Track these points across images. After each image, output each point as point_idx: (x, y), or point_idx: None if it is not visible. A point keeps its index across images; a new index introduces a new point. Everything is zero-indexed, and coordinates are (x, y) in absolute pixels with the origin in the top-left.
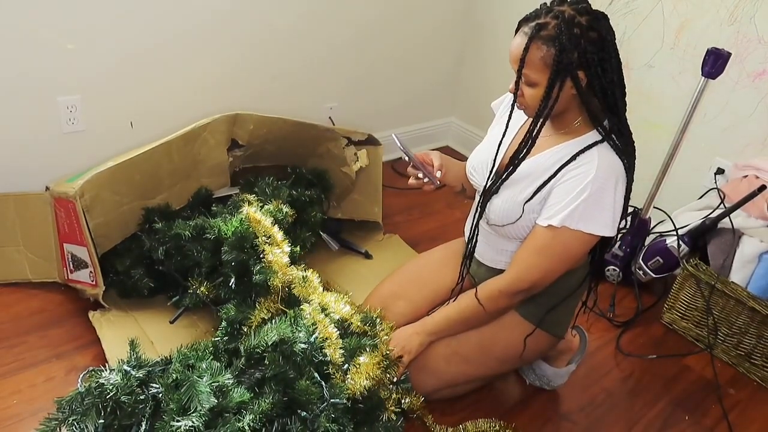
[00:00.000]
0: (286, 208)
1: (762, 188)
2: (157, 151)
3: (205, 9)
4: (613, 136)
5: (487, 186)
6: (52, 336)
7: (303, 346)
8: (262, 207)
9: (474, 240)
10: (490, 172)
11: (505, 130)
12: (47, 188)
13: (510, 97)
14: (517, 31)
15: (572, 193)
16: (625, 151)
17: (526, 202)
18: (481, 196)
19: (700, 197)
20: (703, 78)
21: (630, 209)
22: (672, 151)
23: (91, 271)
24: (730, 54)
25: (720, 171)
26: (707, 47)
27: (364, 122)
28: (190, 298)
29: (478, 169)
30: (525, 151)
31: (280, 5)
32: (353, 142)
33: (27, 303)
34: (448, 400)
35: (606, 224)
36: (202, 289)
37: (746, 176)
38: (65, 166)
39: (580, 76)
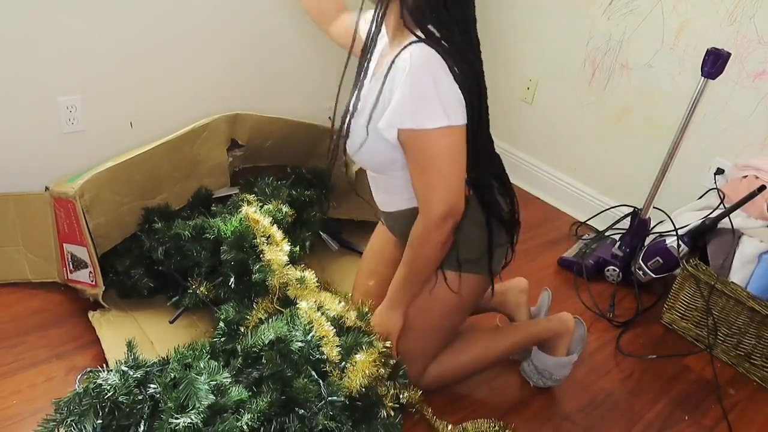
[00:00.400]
0: (285, 208)
1: (762, 188)
2: (157, 151)
3: (205, 9)
4: (436, 31)
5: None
6: (52, 336)
7: (300, 344)
8: (261, 207)
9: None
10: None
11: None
12: (47, 188)
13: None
14: None
15: (399, 93)
16: (451, 42)
17: (367, 125)
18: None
19: (700, 197)
20: (703, 78)
21: (629, 210)
22: (672, 151)
23: (90, 272)
24: (729, 54)
25: (720, 171)
26: (707, 47)
27: None
28: (190, 298)
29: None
30: (369, 42)
31: (279, 5)
32: None
33: (27, 303)
34: (447, 401)
35: (449, 110)
36: (201, 289)
37: (746, 176)
38: (65, 166)
39: None
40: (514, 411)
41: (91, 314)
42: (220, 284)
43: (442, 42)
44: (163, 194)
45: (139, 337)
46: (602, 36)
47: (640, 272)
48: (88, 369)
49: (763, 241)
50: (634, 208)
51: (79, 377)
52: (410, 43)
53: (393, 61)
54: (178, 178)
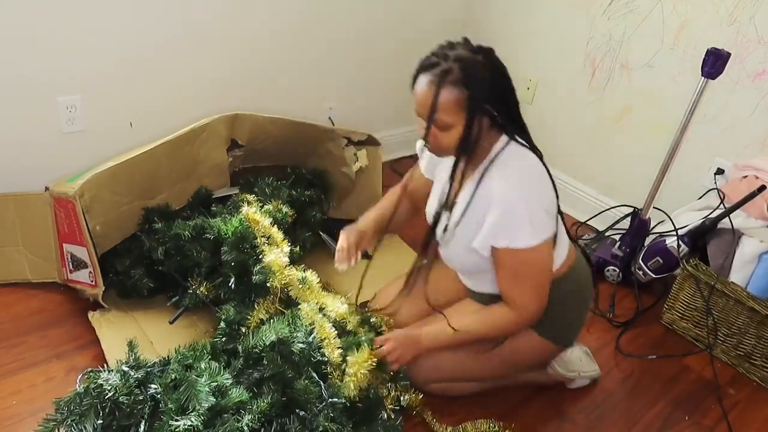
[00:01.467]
0: (285, 208)
1: (762, 188)
2: (156, 151)
3: (205, 9)
4: (530, 141)
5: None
6: (52, 336)
7: (301, 345)
8: (261, 207)
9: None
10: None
11: (451, 179)
12: (47, 188)
13: None
14: (416, 79)
15: (505, 212)
16: (533, 147)
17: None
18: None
19: (700, 197)
20: (703, 78)
21: (629, 210)
22: (672, 151)
23: (90, 272)
24: (729, 54)
25: (720, 171)
26: (707, 47)
27: (364, 122)
28: (190, 299)
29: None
30: (452, 194)
31: (279, 5)
32: (353, 143)
33: (27, 303)
34: (447, 400)
35: (547, 226)
36: (201, 289)
37: (746, 176)
38: (65, 166)
39: (491, 109)
40: (514, 411)
41: (91, 314)
42: (220, 284)
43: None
44: (163, 194)
45: (139, 337)
46: (602, 36)
47: (640, 272)
48: (89, 369)
49: (763, 241)
50: (634, 208)
51: (79, 377)
52: (496, 156)
53: (481, 179)
54: (177, 178)
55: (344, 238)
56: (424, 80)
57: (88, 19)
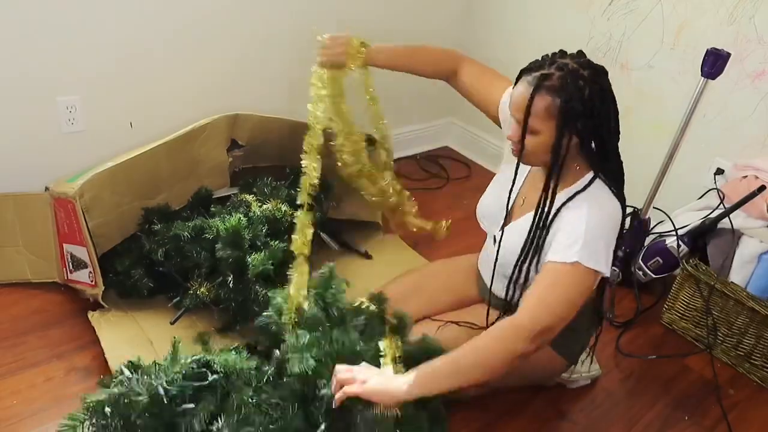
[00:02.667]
0: (284, 207)
1: (762, 188)
2: (156, 151)
3: (205, 9)
4: (617, 184)
5: (497, 237)
6: (52, 336)
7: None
8: (261, 207)
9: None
10: (503, 224)
11: (512, 184)
12: (47, 188)
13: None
14: (518, 80)
15: (575, 230)
16: (618, 195)
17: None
18: (498, 248)
19: (700, 197)
20: (703, 78)
21: (629, 210)
22: (672, 151)
23: (90, 272)
24: (729, 54)
25: (720, 171)
26: (707, 47)
27: (364, 122)
28: (191, 299)
29: (488, 217)
30: (548, 206)
31: (279, 5)
32: None
33: (27, 303)
34: (447, 401)
35: (602, 262)
36: (202, 290)
37: (746, 176)
38: (65, 166)
39: (582, 126)
40: (514, 411)
41: (90, 314)
42: (220, 284)
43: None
44: (163, 194)
45: (138, 337)
46: (602, 36)
47: (640, 272)
48: (120, 373)
49: (763, 241)
50: (634, 208)
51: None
52: (591, 184)
53: (573, 196)
54: (178, 178)
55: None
56: (523, 81)
57: (88, 19)
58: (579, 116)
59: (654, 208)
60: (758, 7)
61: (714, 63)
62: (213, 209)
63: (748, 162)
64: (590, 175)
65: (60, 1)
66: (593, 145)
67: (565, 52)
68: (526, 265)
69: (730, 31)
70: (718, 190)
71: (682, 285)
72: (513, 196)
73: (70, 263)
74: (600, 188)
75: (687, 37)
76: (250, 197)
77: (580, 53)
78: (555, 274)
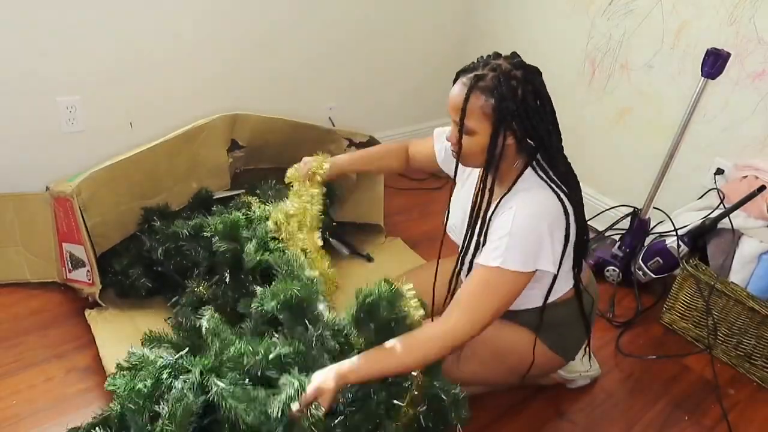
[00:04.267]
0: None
1: (762, 188)
2: (155, 151)
3: (205, 9)
4: (552, 177)
5: (463, 248)
6: (52, 336)
7: None
8: (262, 207)
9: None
10: (466, 232)
11: (477, 192)
12: (47, 188)
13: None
14: (455, 81)
15: (500, 232)
16: (568, 189)
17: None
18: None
19: (700, 197)
20: (703, 78)
21: (629, 210)
22: (672, 151)
23: (88, 270)
24: (729, 54)
25: (720, 171)
26: (707, 47)
27: (364, 122)
28: (188, 298)
29: (453, 231)
30: (483, 206)
31: (279, 6)
32: (355, 144)
33: (26, 303)
34: None
35: (541, 259)
36: (200, 288)
37: (746, 176)
38: (65, 166)
39: (517, 126)
40: (514, 411)
41: (87, 312)
42: (217, 282)
43: (555, 182)
44: (163, 194)
45: (134, 336)
46: (602, 36)
47: (640, 272)
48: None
49: (763, 242)
50: (634, 208)
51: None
52: (527, 184)
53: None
54: (177, 178)
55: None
56: (458, 82)
57: (88, 20)
58: (513, 116)
59: (654, 208)
60: (758, 7)
61: (714, 63)
62: (214, 209)
63: (748, 162)
64: (527, 173)
65: (60, 1)
66: (533, 144)
67: (500, 54)
68: (467, 258)
69: (730, 31)
70: (718, 190)
71: (682, 285)
72: (463, 200)
73: (69, 262)
74: (534, 184)
75: (687, 37)
76: (253, 199)
77: (514, 54)
78: (480, 279)
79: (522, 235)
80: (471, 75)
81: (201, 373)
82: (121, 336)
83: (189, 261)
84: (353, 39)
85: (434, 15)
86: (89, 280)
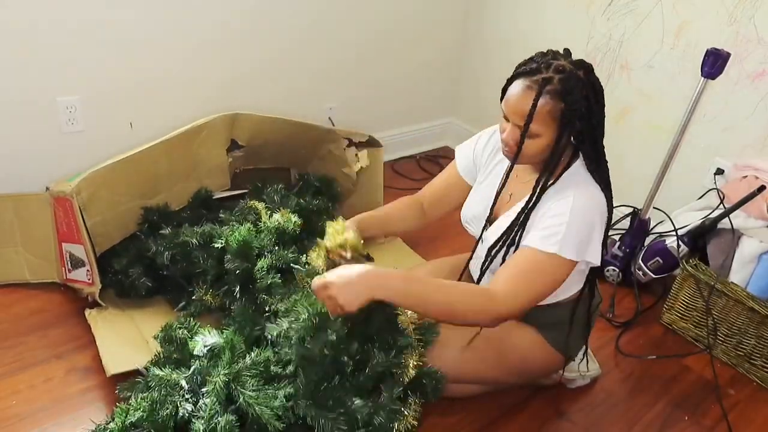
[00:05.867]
0: (294, 218)
1: (761, 188)
2: (155, 150)
3: (204, 10)
4: (602, 176)
5: (483, 237)
6: (52, 336)
7: None
8: (270, 215)
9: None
10: (486, 223)
11: (503, 183)
12: (47, 189)
13: (493, 145)
14: (512, 80)
15: (558, 219)
16: (605, 189)
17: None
18: (485, 248)
19: (700, 197)
20: (703, 78)
21: (629, 210)
22: (672, 152)
23: (88, 270)
24: (729, 54)
25: (720, 171)
26: (707, 48)
27: (364, 122)
28: (196, 306)
29: (473, 222)
30: (533, 203)
31: (279, 6)
32: (354, 144)
33: (26, 303)
34: (447, 401)
35: (589, 251)
36: (207, 297)
37: (746, 176)
38: (64, 166)
39: (581, 127)
40: (514, 411)
41: (87, 312)
42: (226, 293)
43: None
44: (162, 194)
45: (134, 336)
46: (602, 36)
47: (640, 272)
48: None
49: (763, 242)
50: (634, 208)
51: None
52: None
53: (553, 183)
54: (177, 178)
55: None
56: (521, 85)
57: (88, 20)
58: (580, 118)
59: (654, 208)
60: (758, 7)
61: (714, 63)
62: (222, 215)
63: (748, 162)
64: (576, 165)
65: (60, 1)
66: (589, 143)
67: (555, 52)
68: (501, 253)
69: (730, 31)
70: (718, 190)
71: (682, 285)
72: (495, 194)
73: (69, 262)
74: (586, 178)
75: (687, 37)
76: (260, 205)
77: (567, 52)
78: (533, 261)
79: (579, 224)
80: (537, 78)
81: (227, 384)
82: (121, 336)
83: (197, 268)
84: (353, 39)
85: (434, 15)
86: (89, 279)
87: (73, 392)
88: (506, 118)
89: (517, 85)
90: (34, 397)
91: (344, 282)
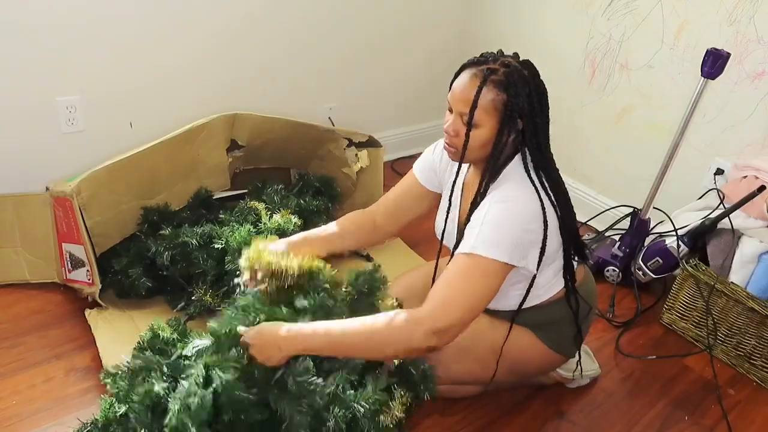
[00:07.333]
0: (294, 219)
1: (761, 189)
2: (154, 150)
3: (205, 9)
4: (543, 182)
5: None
6: (52, 336)
7: None
8: (270, 216)
9: None
10: (458, 235)
11: (451, 193)
12: (47, 189)
13: (442, 157)
14: (460, 72)
15: (479, 218)
16: (556, 197)
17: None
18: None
19: (700, 197)
20: (703, 78)
21: (629, 210)
22: (671, 152)
23: (88, 270)
24: (729, 54)
25: (719, 171)
26: (707, 48)
27: (363, 122)
28: (195, 307)
29: (446, 235)
30: (477, 205)
31: (278, 7)
32: (354, 144)
33: (26, 303)
34: (447, 401)
35: (517, 253)
36: (206, 297)
37: (746, 176)
38: (64, 166)
39: (523, 124)
40: (514, 411)
41: (87, 312)
42: (225, 293)
43: (542, 181)
44: (162, 194)
45: (134, 336)
46: (602, 36)
47: (640, 272)
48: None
49: (763, 242)
50: (634, 208)
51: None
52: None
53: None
54: (177, 178)
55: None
56: (467, 74)
57: (88, 19)
58: (521, 113)
59: (654, 208)
60: (758, 7)
61: (714, 63)
62: (222, 216)
63: (748, 162)
64: (511, 166)
65: (60, 1)
66: (530, 143)
67: (503, 52)
68: None
69: (730, 31)
70: (718, 190)
71: (682, 285)
72: (459, 204)
73: (69, 262)
74: (519, 178)
75: (687, 37)
76: (260, 206)
77: (516, 55)
78: (456, 266)
79: (494, 224)
80: (482, 68)
81: (206, 367)
82: (121, 336)
83: (196, 268)
84: (353, 39)
85: (434, 15)
86: (89, 280)
87: (73, 392)
88: (450, 110)
89: (464, 75)
90: (34, 397)
91: (259, 346)
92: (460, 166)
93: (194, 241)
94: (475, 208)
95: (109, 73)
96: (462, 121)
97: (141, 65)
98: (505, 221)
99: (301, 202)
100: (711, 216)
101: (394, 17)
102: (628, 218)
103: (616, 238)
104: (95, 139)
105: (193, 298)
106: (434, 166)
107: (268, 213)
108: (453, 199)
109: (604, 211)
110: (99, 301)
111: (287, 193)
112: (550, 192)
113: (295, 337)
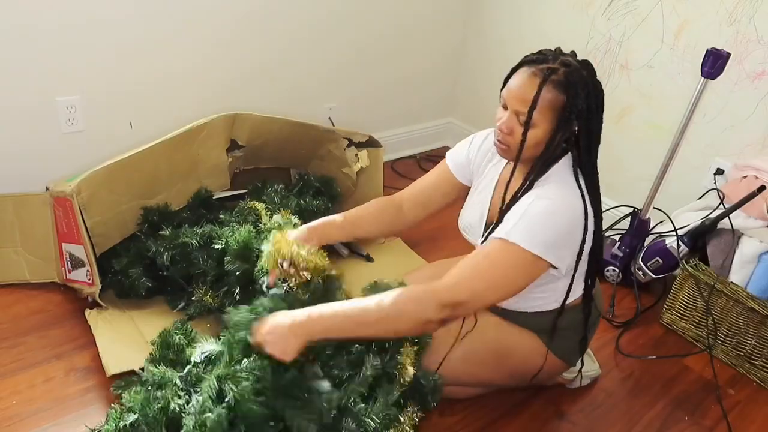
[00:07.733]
0: (295, 219)
1: (761, 188)
2: (154, 150)
3: (205, 9)
4: (585, 179)
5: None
6: (52, 336)
7: None
8: (270, 216)
9: None
10: (485, 229)
11: (506, 188)
12: (47, 188)
13: (487, 147)
14: (517, 69)
15: (520, 209)
16: (594, 200)
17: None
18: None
19: (700, 197)
20: (703, 78)
21: (629, 210)
22: (671, 152)
23: (88, 270)
24: (729, 54)
25: (719, 171)
26: (707, 48)
27: (363, 122)
28: (195, 307)
29: (470, 230)
30: (522, 194)
31: (278, 7)
32: (354, 144)
33: (26, 303)
34: (447, 401)
35: (551, 251)
36: (206, 297)
37: (746, 176)
38: (64, 166)
39: (578, 125)
40: (514, 411)
41: (87, 312)
42: (225, 294)
43: (584, 183)
44: (162, 194)
45: (134, 336)
46: (602, 36)
47: (640, 272)
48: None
49: (763, 242)
50: (634, 208)
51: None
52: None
53: (532, 182)
54: (177, 178)
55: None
56: (526, 72)
57: (88, 19)
58: (579, 115)
59: (654, 208)
60: (758, 7)
61: (714, 63)
62: (222, 216)
63: (748, 162)
64: (560, 165)
65: (60, 2)
66: (581, 146)
67: (561, 50)
68: None
69: (730, 31)
70: (718, 190)
71: (682, 285)
72: (490, 199)
73: (69, 263)
74: (566, 180)
75: (687, 37)
76: (260, 206)
77: (574, 53)
78: (486, 248)
79: (535, 217)
80: (542, 66)
81: (219, 380)
82: (121, 336)
83: (196, 269)
84: (353, 39)
85: (434, 15)
86: (89, 280)
87: (73, 392)
88: (504, 107)
89: (522, 72)
90: (34, 397)
91: (274, 339)
92: (516, 164)
93: (194, 242)
94: (515, 203)
95: (109, 73)
96: (518, 120)
97: (141, 65)
98: (547, 217)
99: (301, 202)
100: (711, 216)
101: (395, 17)
102: (628, 218)
103: (616, 238)
104: (95, 139)
105: (193, 298)
106: (469, 160)
107: (268, 213)
108: (485, 194)
109: (604, 211)
110: (99, 301)
111: (287, 194)
112: (590, 197)
113: (309, 318)
